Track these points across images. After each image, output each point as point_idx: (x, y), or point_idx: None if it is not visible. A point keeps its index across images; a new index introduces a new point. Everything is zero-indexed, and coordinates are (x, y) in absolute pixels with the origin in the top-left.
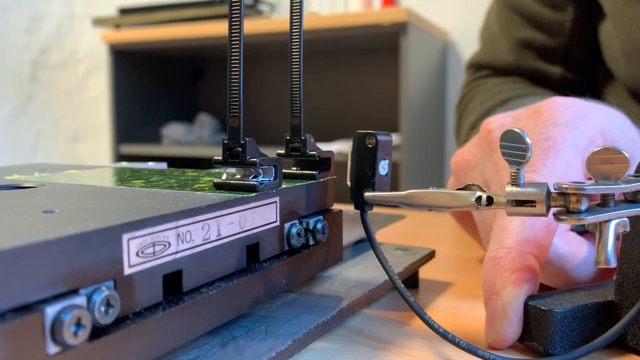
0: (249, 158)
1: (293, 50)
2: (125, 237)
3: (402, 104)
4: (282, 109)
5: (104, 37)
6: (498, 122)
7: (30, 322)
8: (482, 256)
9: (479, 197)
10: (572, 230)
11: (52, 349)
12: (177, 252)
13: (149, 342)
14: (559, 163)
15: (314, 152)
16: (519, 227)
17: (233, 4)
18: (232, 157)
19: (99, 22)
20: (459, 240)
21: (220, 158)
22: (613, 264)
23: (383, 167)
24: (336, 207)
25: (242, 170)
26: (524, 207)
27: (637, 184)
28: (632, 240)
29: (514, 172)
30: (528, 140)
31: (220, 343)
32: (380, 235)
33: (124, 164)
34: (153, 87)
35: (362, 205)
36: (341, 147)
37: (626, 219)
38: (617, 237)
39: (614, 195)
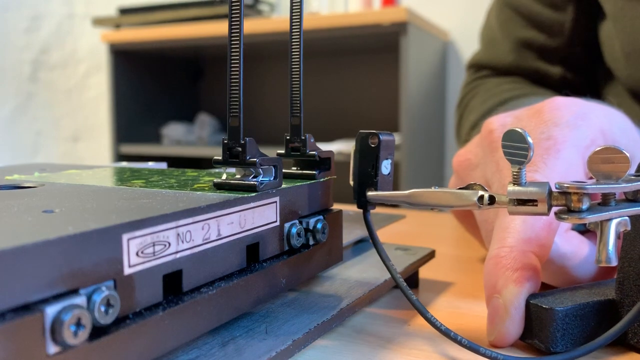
0: (249, 158)
1: (293, 50)
2: (125, 237)
3: (402, 104)
4: (282, 109)
5: (104, 37)
6: (499, 122)
7: (30, 322)
8: (482, 256)
9: (481, 196)
10: (573, 229)
11: (52, 348)
12: (177, 252)
13: (149, 342)
14: (560, 163)
15: (314, 152)
16: (520, 226)
17: (233, 4)
18: (232, 157)
19: (99, 22)
20: (459, 240)
21: (220, 158)
22: (614, 262)
23: (385, 167)
24: (336, 207)
25: (242, 170)
26: (526, 206)
27: (638, 183)
28: (633, 239)
29: (515, 172)
30: (530, 139)
31: (220, 343)
32: (380, 235)
33: (124, 163)
34: (153, 87)
35: (365, 205)
36: (341, 147)
37: (627, 218)
38: (618, 236)
39: (614, 194)
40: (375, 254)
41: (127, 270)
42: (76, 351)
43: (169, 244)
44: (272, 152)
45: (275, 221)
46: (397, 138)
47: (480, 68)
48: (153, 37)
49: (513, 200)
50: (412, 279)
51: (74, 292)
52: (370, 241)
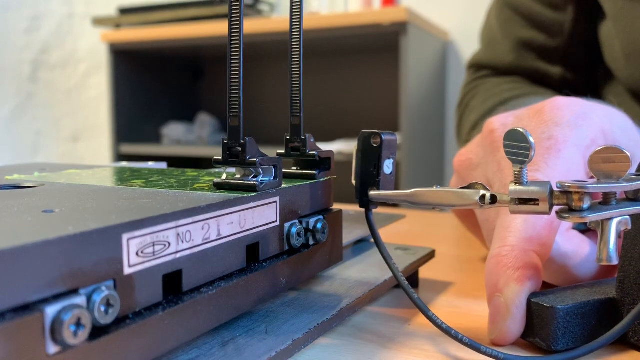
0: (249, 158)
1: (293, 50)
2: (125, 237)
3: (402, 104)
4: (282, 109)
5: (104, 37)
6: (500, 122)
7: (30, 322)
8: (483, 256)
9: (483, 196)
10: (574, 228)
11: (52, 348)
12: (177, 252)
13: (149, 342)
14: (561, 162)
15: (314, 152)
16: (522, 225)
17: (233, 4)
18: (232, 156)
19: (99, 22)
20: (459, 240)
21: (220, 158)
22: (615, 261)
23: (388, 166)
24: (336, 206)
25: (242, 170)
26: (527, 205)
27: (639, 182)
28: (634, 238)
29: (517, 171)
30: (531, 139)
31: (220, 343)
32: (380, 235)
33: (124, 163)
34: (153, 87)
35: (367, 204)
36: (341, 147)
37: (628, 217)
38: (618, 235)
39: (615, 193)
40: (375, 253)
41: (127, 270)
42: (76, 351)
43: (169, 243)
44: (272, 152)
45: (275, 221)
46: (397, 138)
47: (480, 68)
48: (153, 37)
49: (514, 199)
50: (413, 279)
51: (74, 292)
52: (370, 241)
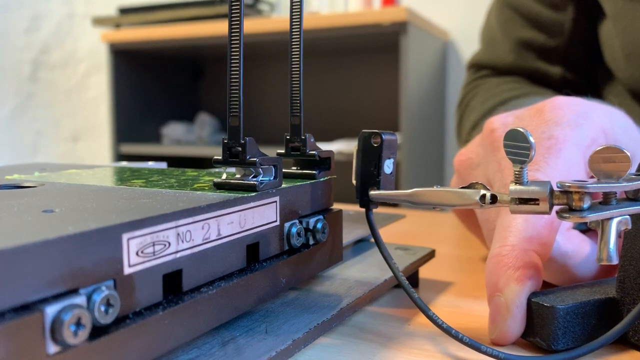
0: (249, 157)
1: (293, 50)
2: (125, 236)
3: (402, 104)
4: (282, 109)
5: (104, 37)
6: (501, 121)
7: (30, 321)
8: (483, 256)
9: (483, 195)
10: (574, 228)
11: (52, 348)
12: (177, 252)
13: (149, 341)
14: (562, 162)
15: (314, 152)
16: (522, 225)
17: (233, 4)
18: (232, 156)
19: (99, 21)
20: (459, 240)
21: (220, 158)
22: (615, 260)
23: (388, 166)
24: (336, 206)
25: (242, 169)
26: (528, 205)
27: (639, 182)
28: (634, 237)
29: (517, 171)
30: (531, 139)
31: (220, 342)
32: (380, 235)
33: (124, 163)
34: (153, 87)
35: (368, 204)
36: (341, 147)
37: (628, 216)
38: (618, 235)
39: (615, 193)
40: (375, 253)
41: (127, 270)
42: (76, 351)
43: (169, 243)
44: (272, 151)
45: (275, 221)
46: (397, 138)
47: (480, 68)
48: (153, 36)
49: (515, 199)
50: (413, 279)
51: (73, 291)
52: (370, 240)
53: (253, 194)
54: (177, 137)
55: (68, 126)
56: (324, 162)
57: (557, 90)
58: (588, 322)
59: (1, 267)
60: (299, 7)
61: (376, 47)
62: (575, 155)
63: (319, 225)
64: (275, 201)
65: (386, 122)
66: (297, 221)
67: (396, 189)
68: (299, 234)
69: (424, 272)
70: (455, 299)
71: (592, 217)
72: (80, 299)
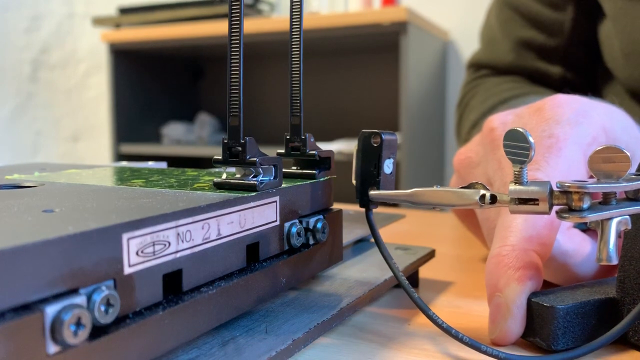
0: (249, 157)
1: (293, 50)
2: (125, 236)
3: (402, 104)
4: (282, 109)
5: (104, 37)
6: (500, 120)
7: (30, 321)
8: (482, 255)
9: (483, 195)
10: (575, 227)
11: (52, 348)
12: (177, 252)
13: (149, 341)
14: (562, 161)
15: (314, 152)
16: (522, 224)
17: (233, 4)
18: (232, 156)
19: (99, 21)
20: (459, 239)
21: (220, 157)
22: (614, 261)
23: (388, 166)
24: (336, 206)
25: (242, 169)
26: (527, 205)
27: (639, 182)
28: (634, 237)
29: (517, 171)
30: (531, 139)
31: (220, 342)
32: (380, 235)
33: (124, 163)
34: (153, 86)
35: (367, 204)
36: (341, 147)
37: (628, 216)
38: (618, 235)
39: (615, 193)
40: (375, 253)
41: (127, 270)
42: (76, 351)
43: (169, 243)
44: (272, 151)
45: (275, 221)
46: (397, 138)
47: (480, 67)
48: (153, 36)
49: (514, 199)
50: (413, 279)
51: (73, 291)
52: (370, 240)
53: (253, 193)
54: (177, 137)
55: (68, 126)
56: (324, 162)
57: (557, 90)
58: (588, 322)
59: (1, 267)
60: (299, 7)
61: (376, 47)
62: (575, 153)
63: (319, 225)
64: (275, 201)
65: (386, 122)
66: (297, 221)
67: (396, 188)
68: (299, 234)
69: (424, 272)
70: (455, 299)
71: (591, 217)
72: (80, 299)
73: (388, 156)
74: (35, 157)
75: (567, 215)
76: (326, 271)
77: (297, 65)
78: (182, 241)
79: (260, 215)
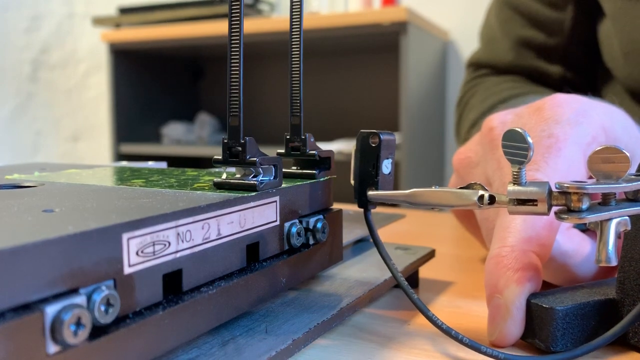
0: (249, 157)
1: (293, 49)
2: (125, 236)
3: (402, 104)
4: (282, 109)
5: (104, 37)
6: (500, 120)
7: (30, 321)
8: (482, 256)
9: (481, 196)
10: (574, 227)
11: (52, 348)
12: (177, 252)
13: (149, 341)
14: (562, 161)
15: (314, 152)
16: (521, 225)
17: (233, 4)
18: (232, 156)
19: (99, 21)
20: (459, 239)
21: (220, 157)
22: (614, 262)
23: (386, 166)
24: (336, 206)
25: (242, 169)
26: (526, 206)
27: (638, 183)
28: (633, 238)
29: (515, 171)
30: (530, 139)
31: (220, 342)
32: (380, 235)
33: (124, 163)
34: (153, 86)
35: (366, 204)
36: (341, 147)
37: (627, 217)
38: (618, 236)
39: (615, 194)
40: (375, 253)
41: (127, 270)
42: (76, 351)
43: (169, 243)
44: (272, 151)
45: (275, 220)
46: (397, 138)
47: (479, 67)
48: (153, 36)
49: (513, 200)
50: (413, 279)
51: (73, 291)
52: (370, 240)
53: (253, 193)
54: (177, 137)
55: (68, 126)
56: (324, 161)
57: (557, 90)
58: (588, 324)
59: (1, 267)
60: (299, 7)
61: (376, 47)
62: (575, 154)
63: (319, 225)
64: (275, 201)
65: (386, 122)
66: (297, 221)
67: (396, 188)
68: (299, 234)
69: (424, 272)
70: (455, 299)
71: (591, 218)
72: (80, 299)
73: (386, 156)
74: (35, 157)
75: (566, 216)
76: (326, 271)
77: (297, 65)
78: (182, 241)
79: (260, 215)
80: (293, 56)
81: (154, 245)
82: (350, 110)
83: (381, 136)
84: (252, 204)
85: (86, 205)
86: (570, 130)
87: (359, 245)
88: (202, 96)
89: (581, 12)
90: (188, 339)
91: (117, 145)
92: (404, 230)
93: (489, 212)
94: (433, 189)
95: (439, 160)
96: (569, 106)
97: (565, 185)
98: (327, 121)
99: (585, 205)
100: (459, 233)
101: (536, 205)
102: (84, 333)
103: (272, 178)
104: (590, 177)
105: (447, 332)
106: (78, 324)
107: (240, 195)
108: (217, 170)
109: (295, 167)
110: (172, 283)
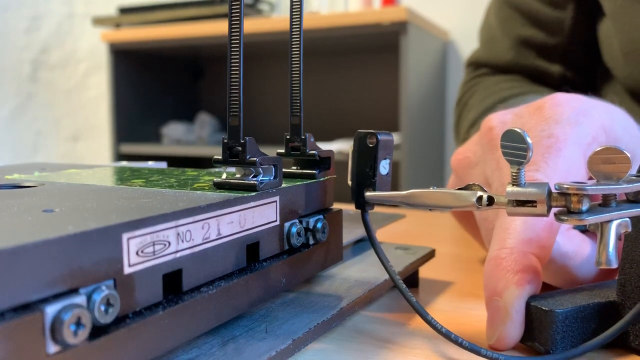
0: (249, 157)
1: (293, 49)
2: (125, 236)
3: (402, 104)
4: (282, 109)
5: (104, 37)
6: (499, 119)
7: (30, 321)
8: (482, 256)
9: (480, 197)
10: (574, 228)
11: (52, 348)
12: (177, 252)
13: (149, 341)
14: (562, 161)
15: (314, 152)
16: (521, 226)
17: (233, 4)
18: (232, 156)
19: (99, 21)
20: (459, 239)
21: (220, 157)
22: (614, 264)
23: (384, 167)
24: (336, 206)
25: (242, 169)
26: (525, 207)
27: (639, 184)
28: (634, 240)
29: (514, 172)
30: (529, 140)
31: (220, 342)
32: (380, 235)
33: (124, 163)
34: (153, 86)
35: (363, 205)
36: (341, 147)
37: (628, 219)
38: (618, 238)
39: (615, 195)
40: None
41: (127, 270)
42: (76, 350)
43: (169, 243)
44: (272, 151)
45: (275, 220)
46: (396, 138)
47: (479, 66)
48: (153, 36)
49: (512, 201)
50: (412, 279)
51: (73, 291)
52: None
53: (253, 193)
54: (177, 137)
55: (68, 126)
56: (323, 161)
57: (557, 89)
58: (588, 327)
59: (1, 267)
60: (299, 7)
61: (376, 47)
62: (575, 154)
63: (319, 225)
64: (275, 201)
65: (386, 122)
66: (297, 221)
67: (395, 189)
68: (299, 234)
69: (424, 272)
70: (455, 299)
71: (591, 220)
72: (80, 299)
73: (384, 157)
74: (35, 157)
75: (566, 218)
76: (326, 271)
77: (297, 65)
78: (182, 241)
79: (260, 215)
80: (293, 56)
81: (154, 245)
82: (350, 110)
83: (379, 136)
84: (252, 204)
85: (86, 205)
86: (571, 130)
87: (359, 245)
88: (202, 96)
89: (581, 12)
90: (188, 339)
91: (117, 145)
92: (403, 230)
93: (488, 212)
94: (431, 190)
95: (439, 161)
96: (569, 105)
97: (565, 186)
98: (327, 121)
99: (585, 206)
100: (459, 233)
101: (535, 206)
102: (84, 333)
103: (272, 178)
104: (591, 178)
105: (447, 335)
106: (78, 323)
107: (240, 195)
108: (217, 170)
109: (295, 167)
110: (172, 283)
